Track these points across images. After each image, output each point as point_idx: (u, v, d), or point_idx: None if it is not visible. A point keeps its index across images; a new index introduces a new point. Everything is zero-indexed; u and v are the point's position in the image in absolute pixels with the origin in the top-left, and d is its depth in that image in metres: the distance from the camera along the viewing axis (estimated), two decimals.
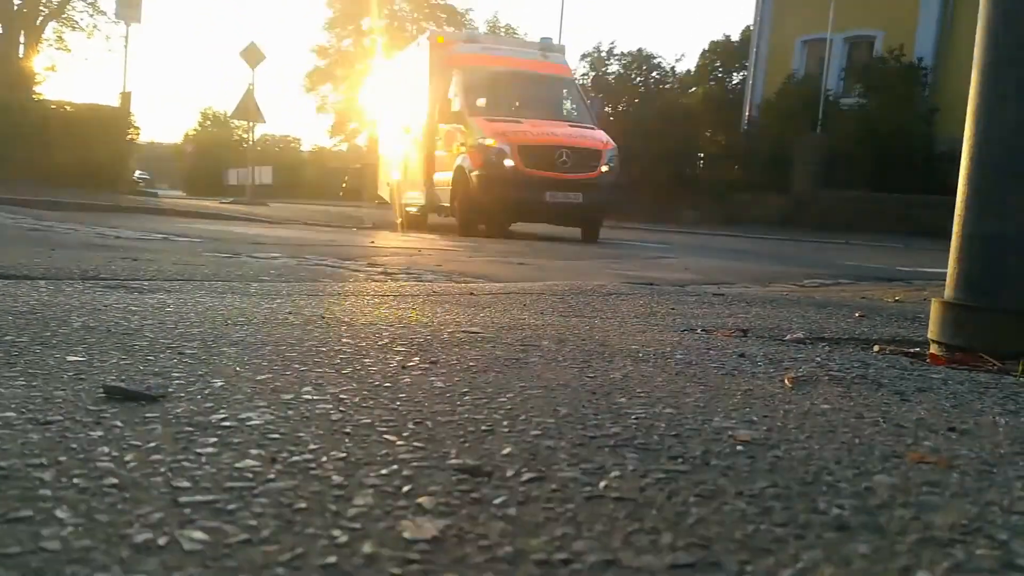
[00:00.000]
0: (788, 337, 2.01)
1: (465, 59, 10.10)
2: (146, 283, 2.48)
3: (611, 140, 9.42)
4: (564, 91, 10.59)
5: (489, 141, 8.84)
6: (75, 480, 0.77)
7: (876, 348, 1.90)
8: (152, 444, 0.89)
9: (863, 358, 1.72)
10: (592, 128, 9.63)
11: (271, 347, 1.49)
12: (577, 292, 2.91)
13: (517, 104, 9.85)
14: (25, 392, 1.07)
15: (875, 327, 2.29)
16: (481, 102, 9.35)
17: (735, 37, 27.10)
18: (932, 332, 1.83)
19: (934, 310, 1.83)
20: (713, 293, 3.19)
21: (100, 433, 0.92)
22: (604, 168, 9.11)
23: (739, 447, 0.99)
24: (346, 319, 1.91)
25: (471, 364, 1.42)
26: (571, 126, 9.57)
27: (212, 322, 1.74)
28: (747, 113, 20.92)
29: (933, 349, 1.81)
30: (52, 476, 0.77)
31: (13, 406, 1.00)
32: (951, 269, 1.80)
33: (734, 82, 26.07)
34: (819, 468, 0.92)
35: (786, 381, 1.40)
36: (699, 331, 2.05)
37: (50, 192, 9.00)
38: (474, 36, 10.86)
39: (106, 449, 0.86)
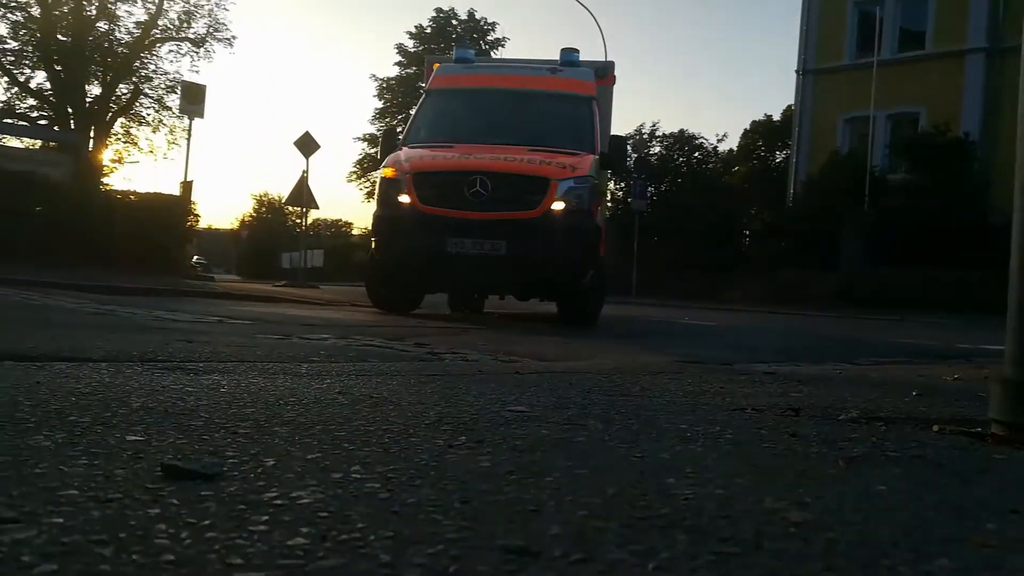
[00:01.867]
0: (842, 417, 1.96)
1: (441, 81, 7.97)
2: (201, 364, 2.55)
3: (587, 166, 6.52)
4: (566, 110, 7.60)
5: (385, 171, 6.63)
6: (134, 556, 0.79)
7: (935, 428, 1.85)
8: (207, 522, 0.91)
9: (921, 438, 1.67)
10: (576, 155, 6.68)
11: (321, 427, 1.51)
12: (624, 371, 2.89)
13: (485, 128, 7.30)
14: (87, 471, 1.11)
15: (933, 406, 2.22)
16: (421, 131, 7.36)
17: (776, 116, 27.40)
18: (993, 411, 1.77)
19: (994, 388, 1.78)
20: (763, 372, 3.15)
21: (158, 511, 0.94)
22: (557, 205, 6.15)
23: (792, 529, 0.97)
24: (393, 398, 1.94)
25: (517, 443, 1.43)
26: (540, 151, 6.62)
27: (264, 402, 1.78)
28: (792, 190, 20.95)
29: (995, 429, 1.75)
30: (112, 552, 0.80)
31: (76, 484, 1.03)
32: (1009, 345, 1.76)
33: (777, 160, 26.21)
34: (876, 551, 0.90)
35: (840, 462, 1.37)
36: (749, 410, 2.01)
37: (113, 277, 9.38)
38: (468, 57, 8.40)
39: (163, 526, 0.88)
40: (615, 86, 8.91)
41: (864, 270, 16.06)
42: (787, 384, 2.65)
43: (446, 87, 7.91)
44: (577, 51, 8.19)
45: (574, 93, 7.63)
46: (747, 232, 21.35)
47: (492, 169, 6.31)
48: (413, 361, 3.27)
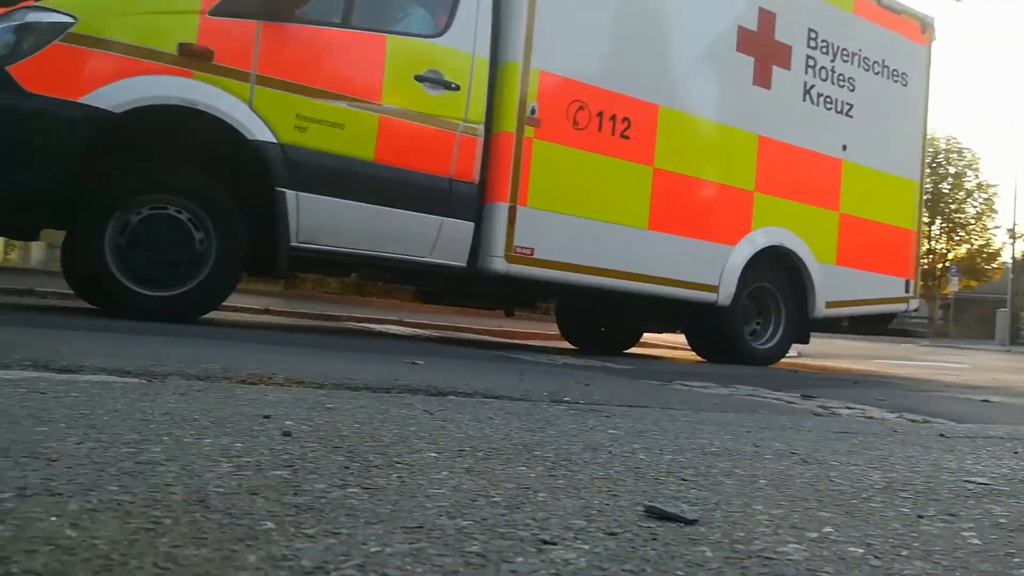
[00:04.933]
0: None
1: None
2: (608, 408, 2.69)
3: None
4: None
5: None
6: None
7: None
8: (715, 566, 0.95)
9: None
10: None
11: (765, 480, 1.51)
12: None
13: None
14: (577, 503, 1.23)
15: None
16: None
17: None
18: None
19: None
20: None
21: (660, 548, 1.01)
22: None
23: None
24: (817, 457, 1.86)
25: (1001, 522, 1.28)
26: None
27: (691, 451, 1.83)
28: None
29: None
30: None
31: (579, 515, 1.16)
32: None
33: None
34: None
35: None
36: None
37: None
38: None
39: (679, 563, 0.95)
40: None
41: None
42: None
43: None
44: None
45: None
46: None
47: None
48: (809, 415, 3.13)
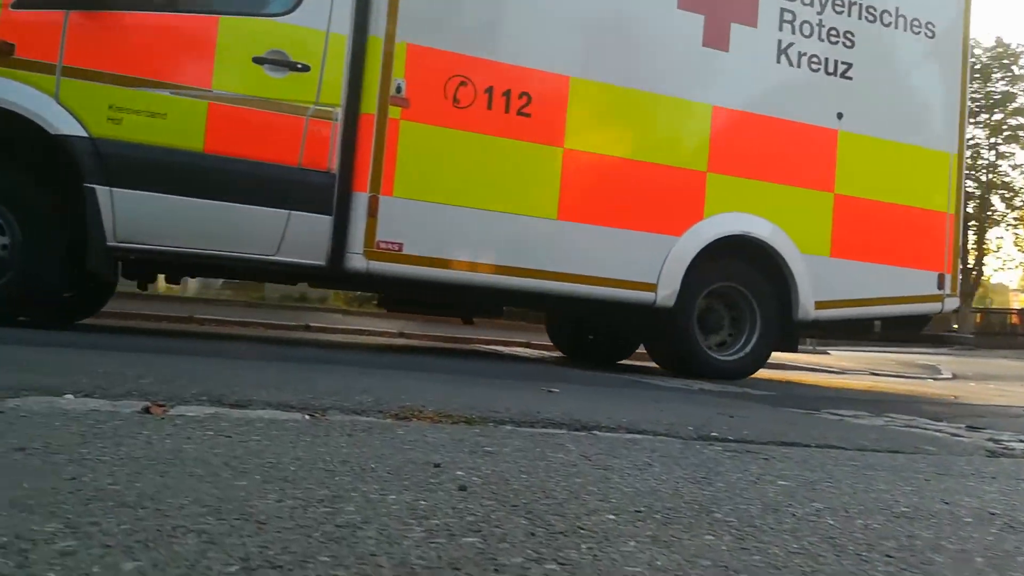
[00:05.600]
0: None
1: None
2: (757, 447, 2.21)
3: None
4: None
5: None
6: None
7: None
8: None
9: None
10: None
11: (981, 559, 1.22)
12: None
13: None
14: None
15: None
16: None
17: None
18: None
19: None
20: None
21: None
22: None
23: None
24: (1006, 513, 1.56)
25: None
26: None
27: (880, 513, 1.49)
28: None
29: None
30: None
31: None
32: None
33: None
34: None
35: None
36: None
37: None
38: None
39: None
40: None
41: None
42: None
43: None
44: None
45: None
46: None
47: None
48: (984, 455, 2.51)
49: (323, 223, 4.64)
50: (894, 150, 5.86)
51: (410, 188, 4.75)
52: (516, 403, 2.63)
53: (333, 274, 4.74)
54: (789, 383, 6.18)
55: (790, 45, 5.61)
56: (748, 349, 5.59)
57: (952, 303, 6.00)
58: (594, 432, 2.20)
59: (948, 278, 5.98)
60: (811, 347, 16.19)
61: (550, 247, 5.02)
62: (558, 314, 7.05)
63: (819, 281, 5.59)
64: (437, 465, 1.51)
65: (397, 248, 4.71)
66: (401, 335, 8.94)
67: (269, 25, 4.59)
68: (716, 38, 5.44)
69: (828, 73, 5.70)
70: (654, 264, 5.23)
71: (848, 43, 5.75)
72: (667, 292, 5.23)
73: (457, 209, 4.84)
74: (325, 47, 4.63)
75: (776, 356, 11.14)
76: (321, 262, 4.66)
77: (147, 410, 1.80)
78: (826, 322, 5.83)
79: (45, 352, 3.11)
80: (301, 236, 4.59)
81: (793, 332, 5.74)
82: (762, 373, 6.22)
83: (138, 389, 2.09)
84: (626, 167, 5.23)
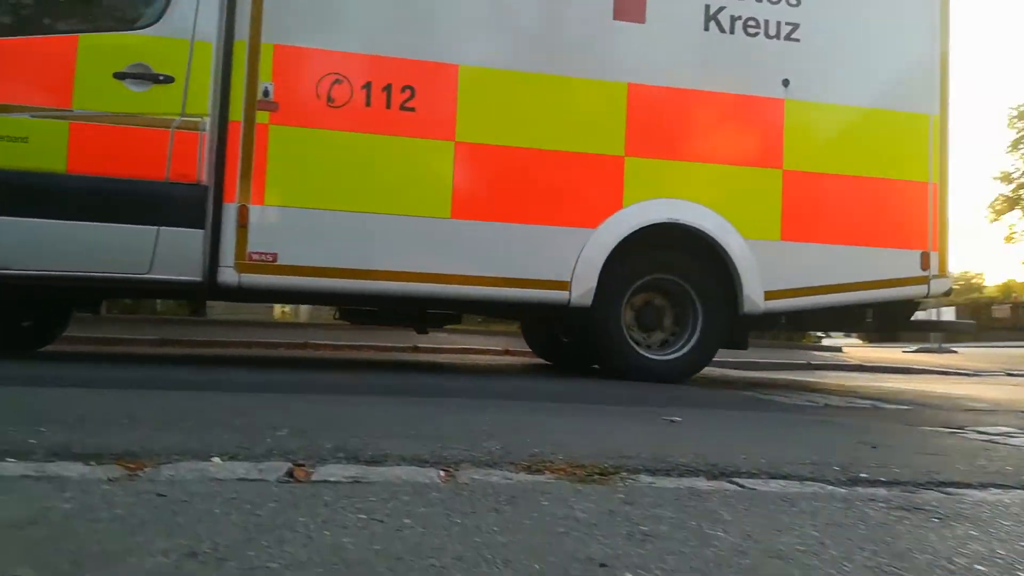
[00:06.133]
0: None
1: None
2: (937, 494, 1.93)
3: None
4: None
5: None
6: None
7: None
8: None
9: None
10: None
11: None
12: None
13: None
14: None
15: None
16: None
17: None
18: None
19: None
20: None
21: None
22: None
23: None
24: None
25: None
26: None
27: None
28: None
29: None
30: None
31: None
32: None
33: None
34: None
35: None
36: None
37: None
38: None
39: None
40: None
41: None
42: None
43: None
44: None
45: None
46: None
47: None
48: None
49: (196, 237, 4.47)
50: (857, 116, 5.15)
51: (283, 195, 4.51)
52: (641, 442, 2.42)
53: (212, 290, 4.55)
54: (915, 392, 5.58)
55: (720, 9, 5.04)
56: (687, 348, 4.99)
57: (941, 285, 5.16)
58: (735, 481, 1.95)
59: (934, 256, 5.16)
60: (936, 346, 15.19)
61: (445, 248, 4.65)
62: (526, 320, 6.62)
63: (769, 269, 4.94)
64: (603, 565, 1.29)
65: (271, 259, 4.47)
66: (507, 352, 8.83)
67: (131, 39, 4.49)
68: (629, 10, 4.95)
69: (769, 36, 5.08)
70: (567, 260, 4.76)
71: (792, 1, 5.11)
72: (583, 290, 4.74)
73: (336, 214, 4.56)
74: (190, 57, 4.49)
75: (901, 359, 10.00)
76: (198, 278, 4.48)
77: (291, 473, 1.77)
78: (788, 315, 5.15)
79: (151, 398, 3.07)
80: (173, 252, 4.44)
81: (742, 327, 5.08)
82: (891, 380, 5.59)
83: (278, 448, 2.02)
84: (529, 157, 4.80)
